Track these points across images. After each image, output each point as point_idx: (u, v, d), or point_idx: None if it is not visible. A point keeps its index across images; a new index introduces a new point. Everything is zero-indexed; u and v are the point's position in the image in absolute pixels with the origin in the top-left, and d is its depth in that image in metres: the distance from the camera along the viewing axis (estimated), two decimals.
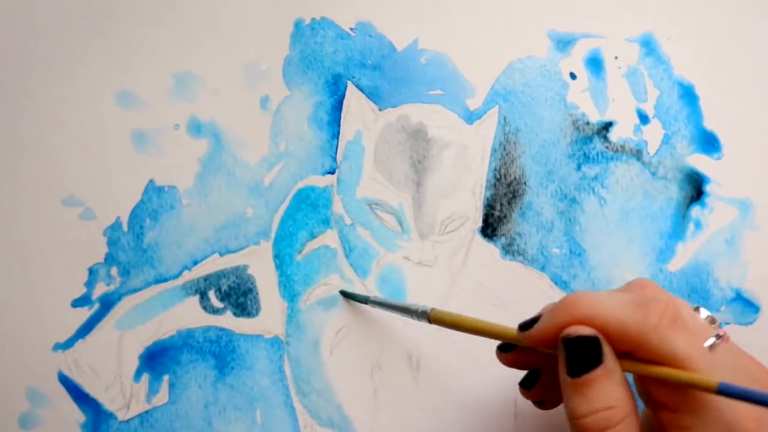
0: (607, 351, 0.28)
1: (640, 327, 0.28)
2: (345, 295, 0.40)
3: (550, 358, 0.31)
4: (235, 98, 0.41)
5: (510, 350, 0.34)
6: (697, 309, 0.32)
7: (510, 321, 0.32)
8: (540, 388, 0.35)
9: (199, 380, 0.41)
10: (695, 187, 0.41)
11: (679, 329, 0.27)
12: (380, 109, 0.41)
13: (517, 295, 0.41)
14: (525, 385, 0.35)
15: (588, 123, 0.41)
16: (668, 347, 0.27)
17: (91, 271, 0.41)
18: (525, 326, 0.31)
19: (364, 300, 0.39)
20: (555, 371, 0.30)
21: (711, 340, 0.28)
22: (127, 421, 0.41)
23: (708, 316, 0.31)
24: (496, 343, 0.34)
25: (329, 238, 0.41)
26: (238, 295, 0.41)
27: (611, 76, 0.41)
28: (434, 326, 0.40)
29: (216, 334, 0.41)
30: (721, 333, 0.29)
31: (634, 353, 0.28)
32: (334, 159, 0.41)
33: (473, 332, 0.33)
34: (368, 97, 0.41)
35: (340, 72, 0.41)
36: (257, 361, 0.41)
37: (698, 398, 0.27)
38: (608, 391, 0.27)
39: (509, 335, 0.32)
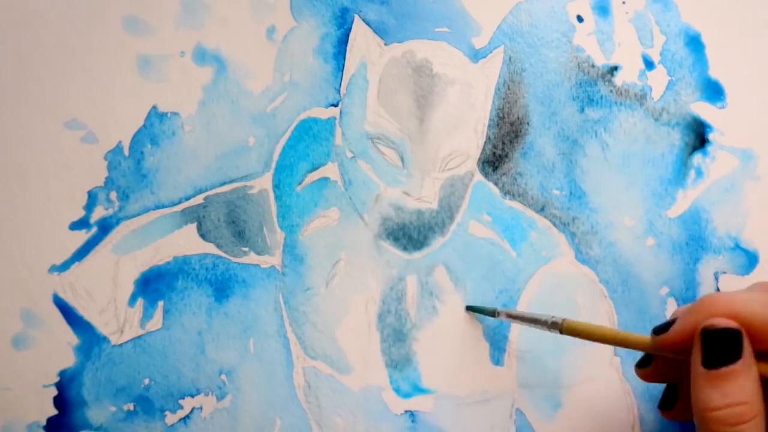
0: (747, 346, 0.28)
1: None
2: (472, 309, 0.40)
3: (686, 369, 0.30)
4: (241, 27, 0.41)
5: (648, 364, 0.34)
6: None
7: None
8: (681, 404, 0.34)
9: (193, 307, 0.41)
10: (698, 135, 0.41)
11: None
12: (386, 44, 0.41)
13: (516, 235, 0.41)
14: (664, 406, 0.34)
15: (593, 66, 0.41)
16: None
17: (90, 195, 0.41)
18: (659, 330, 0.30)
19: (492, 313, 0.38)
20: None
21: None
22: (120, 345, 0.41)
23: None
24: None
25: (330, 170, 0.41)
26: (237, 224, 0.41)
27: (618, 20, 0.41)
28: (432, 261, 0.41)
29: (212, 262, 0.41)
30: None
31: None
32: (338, 91, 0.41)
33: (606, 342, 0.32)
34: (375, 32, 0.41)
35: (348, 5, 0.41)
36: (253, 291, 0.41)
37: None
38: (744, 387, 0.27)
39: (643, 343, 0.31)
